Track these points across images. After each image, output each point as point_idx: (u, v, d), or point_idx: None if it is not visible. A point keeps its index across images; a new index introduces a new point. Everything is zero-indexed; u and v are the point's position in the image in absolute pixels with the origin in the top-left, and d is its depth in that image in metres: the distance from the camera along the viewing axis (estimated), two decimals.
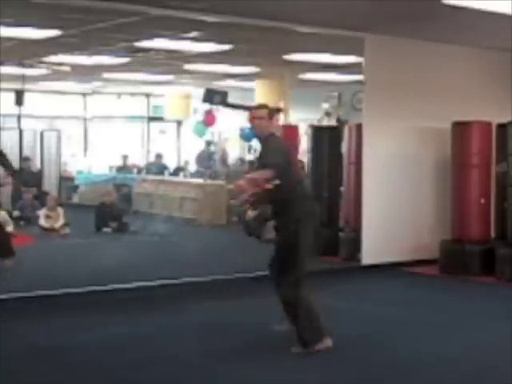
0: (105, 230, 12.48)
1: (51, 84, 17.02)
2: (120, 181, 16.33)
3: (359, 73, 9.94)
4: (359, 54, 9.62)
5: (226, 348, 5.73)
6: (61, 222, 12.23)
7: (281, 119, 14.68)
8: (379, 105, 9.42)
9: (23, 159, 14.67)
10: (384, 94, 9.41)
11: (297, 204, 5.59)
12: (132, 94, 19.94)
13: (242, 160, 15.81)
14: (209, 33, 9.56)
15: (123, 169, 17.81)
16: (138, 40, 10.26)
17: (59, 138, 16.35)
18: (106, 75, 15.07)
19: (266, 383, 5.02)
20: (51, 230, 11.96)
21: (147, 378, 5.05)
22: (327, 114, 16.04)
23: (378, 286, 8.50)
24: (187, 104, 18.98)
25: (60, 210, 12.41)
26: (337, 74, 13.96)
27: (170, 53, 11.36)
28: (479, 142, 9.21)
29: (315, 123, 14.10)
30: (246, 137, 15.91)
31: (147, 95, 20.27)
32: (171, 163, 18.99)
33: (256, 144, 17.12)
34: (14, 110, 15.14)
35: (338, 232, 10.05)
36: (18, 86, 14.28)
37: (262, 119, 5.64)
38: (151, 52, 11.38)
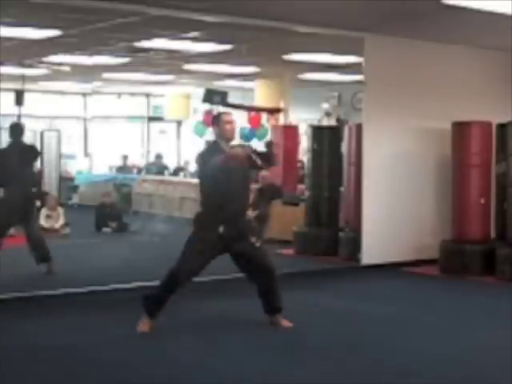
0: (105, 230, 12.49)
1: (51, 84, 17.00)
2: (120, 181, 16.32)
3: (359, 73, 9.94)
4: (359, 54, 9.62)
5: (226, 348, 5.73)
6: (61, 221, 12.23)
7: (281, 119, 14.69)
8: (379, 105, 9.42)
9: None
10: (384, 94, 9.41)
11: None
12: (132, 94, 19.92)
13: None
14: (209, 33, 9.56)
15: (123, 169, 17.80)
16: (137, 40, 10.26)
17: (59, 138, 16.34)
18: (105, 75, 15.06)
19: (263, 382, 5.02)
20: (51, 230, 11.95)
21: (147, 378, 5.05)
22: (327, 114, 16.02)
23: (378, 286, 8.50)
24: (187, 104, 18.95)
25: (60, 210, 12.42)
26: (337, 74, 13.96)
27: (170, 53, 11.36)
28: (479, 142, 9.21)
29: (315, 123, 14.09)
30: (245, 137, 15.91)
31: (147, 95, 20.24)
32: (171, 163, 18.96)
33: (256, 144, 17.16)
34: (14, 109, 15.11)
35: (338, 232, 10.06)
36: (18, 86, 14.25)
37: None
38: (151, 52, 11.38)
